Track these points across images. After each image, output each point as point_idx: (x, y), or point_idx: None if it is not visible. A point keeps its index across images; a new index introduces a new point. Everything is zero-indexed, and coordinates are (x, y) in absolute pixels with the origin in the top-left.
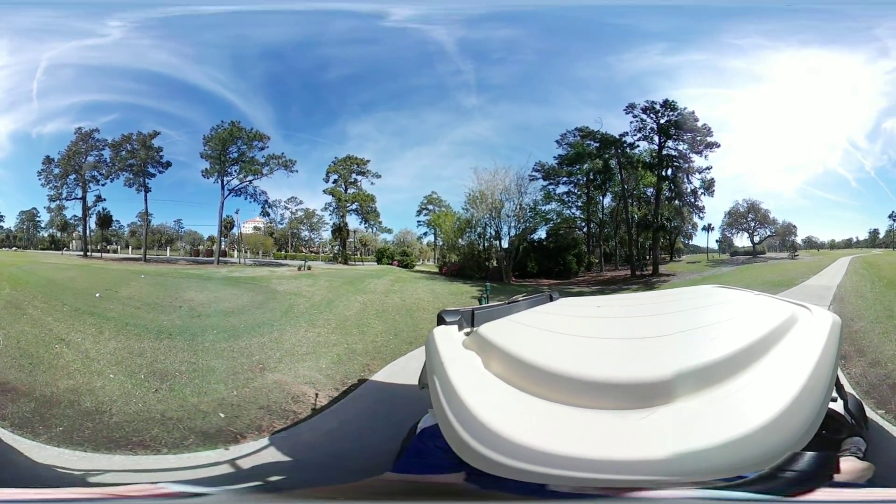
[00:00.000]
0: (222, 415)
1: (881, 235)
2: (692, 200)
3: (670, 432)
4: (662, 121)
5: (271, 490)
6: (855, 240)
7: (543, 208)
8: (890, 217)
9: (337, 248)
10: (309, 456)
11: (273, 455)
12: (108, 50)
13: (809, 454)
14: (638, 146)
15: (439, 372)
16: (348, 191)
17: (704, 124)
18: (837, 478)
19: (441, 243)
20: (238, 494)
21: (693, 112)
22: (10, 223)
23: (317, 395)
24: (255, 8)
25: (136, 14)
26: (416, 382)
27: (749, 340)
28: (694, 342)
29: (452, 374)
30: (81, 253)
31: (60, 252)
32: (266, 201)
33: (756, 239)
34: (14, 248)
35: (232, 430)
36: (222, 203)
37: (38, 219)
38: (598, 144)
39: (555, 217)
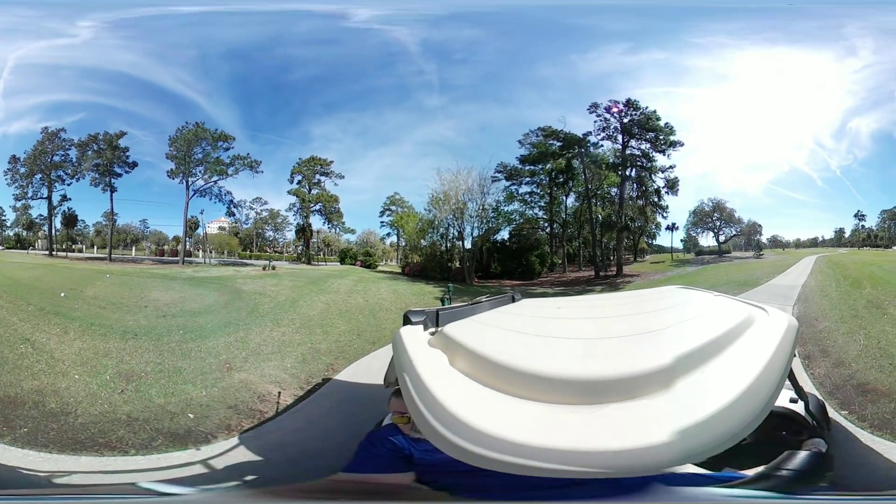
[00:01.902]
0: (191, 415)
1: (847, 234)
2: (656, 200)
3: (622, 425)
4: (625, 120)
5: (241, 489)
6: (821, 239)
7: (506, 209)
8: (855, 216)
9: (301, 248)
10: (277, 455)
11: (243, 454)
12: (76, 50)
13: (804, 453)
14: (602, 146)
15: (409, 370)
16: (312, 191)
17: (667, 123)
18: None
19: (404, 244)
20: (209, 494)
21: (655, 111)
22: None
23: (279, 393)
24: (221, 8)
25: (105, 14)
26: (381, 381)
27: (704, 340)
28: (650, 342)
29: (422, 371)
30: (47, 252)
31: (26, 251)
32: (231, 201)
33: (721, 238)
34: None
35: (202, 431)
36: (187, 203)
37: (3, 217)
38: (561, 144)
39: (517, 217)
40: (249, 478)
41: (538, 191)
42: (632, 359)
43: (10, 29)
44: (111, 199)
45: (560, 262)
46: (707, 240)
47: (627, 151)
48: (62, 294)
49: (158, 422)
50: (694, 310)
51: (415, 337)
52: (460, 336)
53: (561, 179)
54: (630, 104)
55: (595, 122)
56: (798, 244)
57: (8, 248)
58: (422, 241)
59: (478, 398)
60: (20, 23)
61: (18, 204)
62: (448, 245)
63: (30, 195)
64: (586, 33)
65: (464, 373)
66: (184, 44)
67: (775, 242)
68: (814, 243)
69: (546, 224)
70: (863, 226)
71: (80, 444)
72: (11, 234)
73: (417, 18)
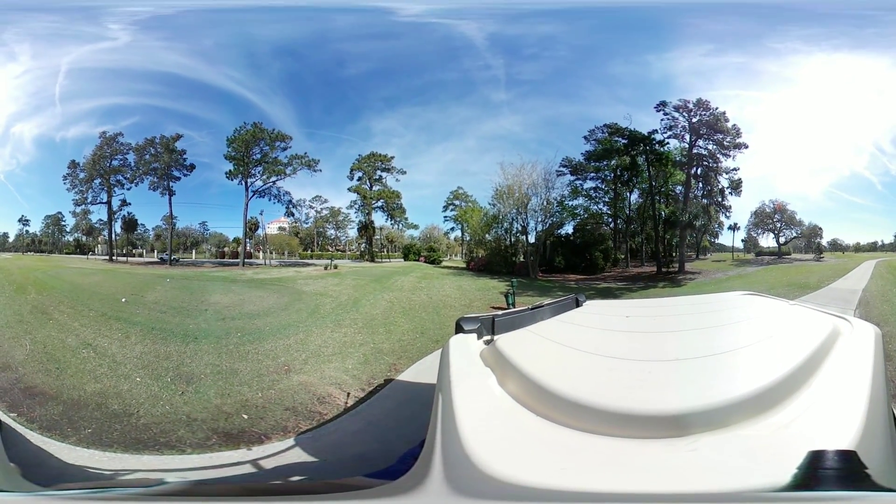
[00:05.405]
0: (245, 416)
1: None
2: (719, 200)
3: (727, 463)
4: (694, 120)
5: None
6: (880, 243)
7: (570, 203)
8: None
9: (363, 245)
10: (333, 457)
11: (297, 455)
12: (121, 53)
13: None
14: (667, 143)
15: (445, 392)
16: (373, 188)
17: (734, 125)
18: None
19: (468, 238)
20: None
21: (724, 112)
22: (36, 227)
23: (348, 394)
24: (264, 3)
25: (143, 14)
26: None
27: (797, 361)
28: (737, 364)
29: (457, 397)
30: (107, 257)
31: (86, 256)
32: (290, 201)
33: (782, 240)
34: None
35: (256, 431)
36: (247, 204)
37: (63, 223)
38: (626, 141)
39: (582, 212)
40: (297, 478)
41: (603, 186)
42: (719, 385)
43: (56, 34)
44: (170, 203)
45: (623, 257)
46: (767, 241)
47: (694, 151)
48: (123, 300)
49: (214, 422)
50: (774, 322)
51: (464, 350)
52: (513, 352)
53: (625, 176)
54: (700, 104)
55: (662, 120)
56: (858, 248)
57: (67, 253)
58: (486, 235)
59: (516, 438)
60: (63, 28)
61: (78, 209)
62: (512, 239)
63: (89, 200)
64: (672, 32)
65: (514, 397)
66: (229, 42)
67: (835, 246)
68: (873, 247)
69: (610, 219)
70: None
71: (143, 443)
72: (71, 239)
73: (489, 14)
